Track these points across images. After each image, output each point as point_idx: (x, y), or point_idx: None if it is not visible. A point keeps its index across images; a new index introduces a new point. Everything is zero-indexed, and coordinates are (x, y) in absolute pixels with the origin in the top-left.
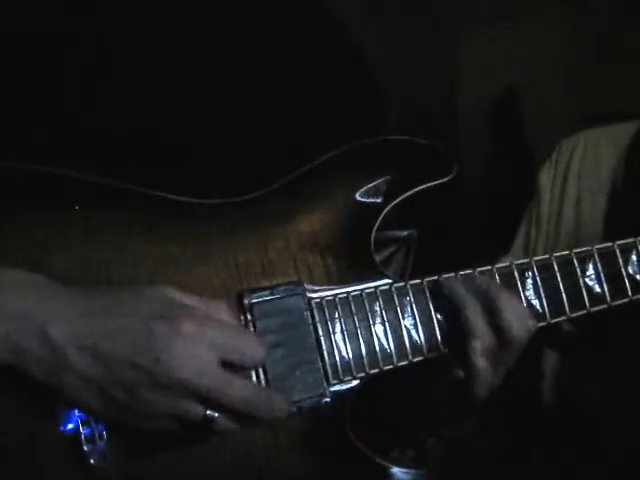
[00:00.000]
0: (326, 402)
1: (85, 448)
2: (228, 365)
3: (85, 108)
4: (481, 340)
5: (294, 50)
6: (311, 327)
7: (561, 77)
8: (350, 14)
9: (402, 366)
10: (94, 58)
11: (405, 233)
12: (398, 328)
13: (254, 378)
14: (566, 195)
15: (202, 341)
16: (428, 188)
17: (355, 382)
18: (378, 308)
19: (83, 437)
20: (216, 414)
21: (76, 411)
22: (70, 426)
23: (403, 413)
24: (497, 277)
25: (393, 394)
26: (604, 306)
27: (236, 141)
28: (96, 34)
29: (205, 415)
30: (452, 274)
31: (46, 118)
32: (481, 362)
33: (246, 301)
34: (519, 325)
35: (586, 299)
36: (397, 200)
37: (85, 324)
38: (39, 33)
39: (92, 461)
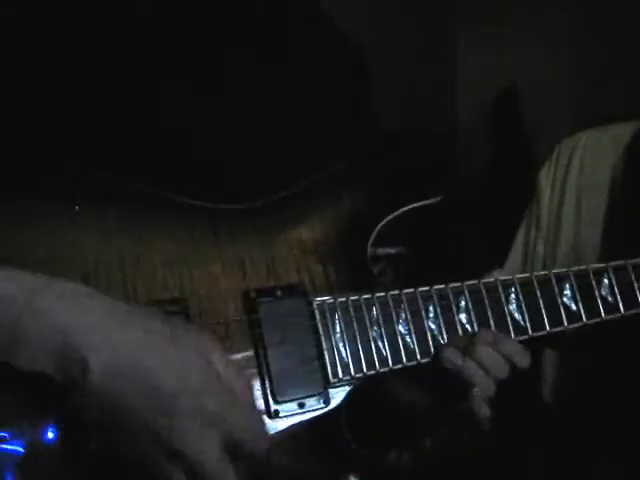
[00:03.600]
0: (325, 400)
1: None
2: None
3: (87, 110)
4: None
5: (288, 56)
6: (312, 328)
7: (561, 77)
8: (348, 13)
9: (397, 369)
10: (97, 58)
11: (394, 251)
12: (393, 333)
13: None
14: (566, 195)
15: (217, 424)
16: (417, 208)
17: (353, 382)
18: (375, 313)
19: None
20: None
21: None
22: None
23: (401, 415)
24: (483, 290)
25: (392, 397)
26: (580, 324)
27: (247, 148)
28: (98, 37)
29: None
30: (442, 286)
31: (49, 117)
32: (480, 405)
33: (251, 300)
34: (497, 370)
35: (563, 316)
36: (387, 218)
37: (118, 364)
38: (39, 35)
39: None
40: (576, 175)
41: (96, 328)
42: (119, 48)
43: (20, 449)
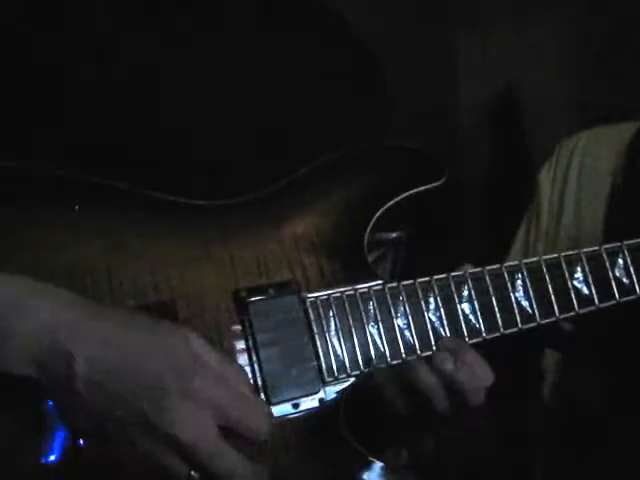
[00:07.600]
0: (321, 399)
1: (81, 441)
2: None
3: (85, 110)
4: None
5: (296, 50)
6: (306, 325)
7: (561, 77)
8: (349, 13)
9: (396, 364)
10: (94, 62)
11: (393, 236)
12: (391, 327)
13: (250, 376)
14: (566, 195)
15: (209, 406)
16: (419, 193)
17: (350, 380)
18: (372, 308)
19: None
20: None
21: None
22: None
23: (400, 412)
24: (487, 279)
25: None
26: (592, 308)
27: (234, 142)
28: (95, 43)
29: (187, 477)
30: (444, 275)
31: (48, 119)
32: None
33: (242, 300)
34: (472, 386)
35: (575, 301)
36: (388, 204)
37: (104, 357)
38: (40, 45)
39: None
40: (576, 175)
41: (80, 324)
42: (113, 51)
43: (53, 457)
